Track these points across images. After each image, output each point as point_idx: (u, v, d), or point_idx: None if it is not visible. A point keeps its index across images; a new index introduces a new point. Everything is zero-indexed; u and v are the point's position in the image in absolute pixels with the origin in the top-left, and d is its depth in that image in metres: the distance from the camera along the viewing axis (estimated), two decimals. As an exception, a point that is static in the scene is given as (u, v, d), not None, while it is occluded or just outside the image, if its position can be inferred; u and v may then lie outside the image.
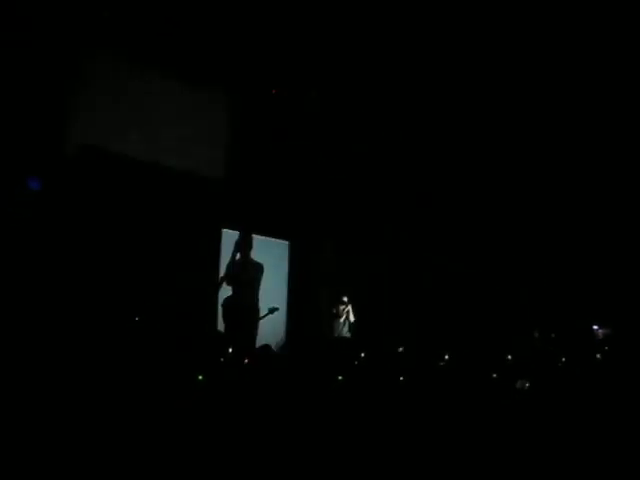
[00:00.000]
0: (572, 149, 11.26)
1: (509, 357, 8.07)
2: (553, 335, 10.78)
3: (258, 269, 7.55)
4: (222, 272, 7.98)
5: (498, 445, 4.41)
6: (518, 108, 10.80)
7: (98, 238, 8.08)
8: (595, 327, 10.97)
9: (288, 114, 10.34)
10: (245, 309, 7.39)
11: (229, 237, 8.59)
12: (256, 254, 7.75)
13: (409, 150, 11.35)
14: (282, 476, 3.83)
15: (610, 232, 11.50)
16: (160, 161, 8.92)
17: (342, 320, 10.39)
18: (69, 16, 7.98)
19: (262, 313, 7.65)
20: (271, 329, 8.30)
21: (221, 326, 7.85)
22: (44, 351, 5.30)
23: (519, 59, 9.84)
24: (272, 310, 7.72)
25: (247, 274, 7.48)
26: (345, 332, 10.41)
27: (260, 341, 7.08)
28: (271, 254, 9.27)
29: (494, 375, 6.46)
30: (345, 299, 10.44)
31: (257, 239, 8.00)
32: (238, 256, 7.59)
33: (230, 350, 6.22)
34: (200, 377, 4.84)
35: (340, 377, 5.48)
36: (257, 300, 7.49)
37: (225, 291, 7.77)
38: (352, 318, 10.40)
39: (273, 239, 10.28)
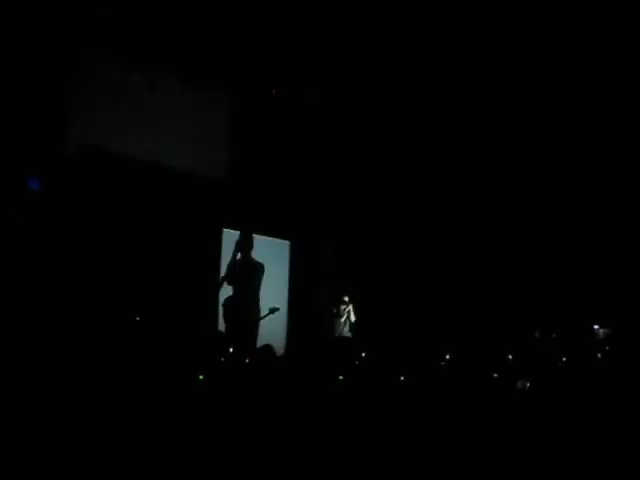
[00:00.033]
0: (572, 149, 11.25)
1: (510, 357, 8.07)
2: (554, 335, 10.77)
3: (259, 269, 7.54)
4: (223, 272, 7.97)
5: (499, 444, 4.41)
6: (518, 108, 10.79)
7: (99, 238, 8.08)
8: (596, 327, 10.96)
9: (289, 114, 10.33)
10: (246, 309, 7.38)
11: (230, 237, 8.58)
12: (257, 254, 7.74)
13: (409, 150, 11.34)
14: (283, 476, 3.83)
15: (610, 232, 11.49)
16: (160, 161, 8.92)
17: (343, 320, 10.39)
18: (69, 16, 7.98)
19: (263, 313, 7.64)
20: (272, 329, 8.29)
21: (222, 326, 7.84)
22: (45, 351, 5.30)
23: (519, 59, 9.82)
24: (273, 310, 7.70)
25: (248, 274, 7.47)
26: (346, 332, 10.40)
27: (261, 341, 7.07)
28: (272, 254, 9.25)
29: (495, 375, 6.46)
30: (346, 299, 10.44)
31: (258, 239, 7.99)
32: (239, 256, 7.58)
33: (231, 350, 6.22)
34: (201, 377, 4.84)
35: (341, 377, 5.48)
36: (258, 300, 7.48)
37: (226, 291, 7.76)
38: (353, 318, 10.39)
39: (274, 239, 10.28)
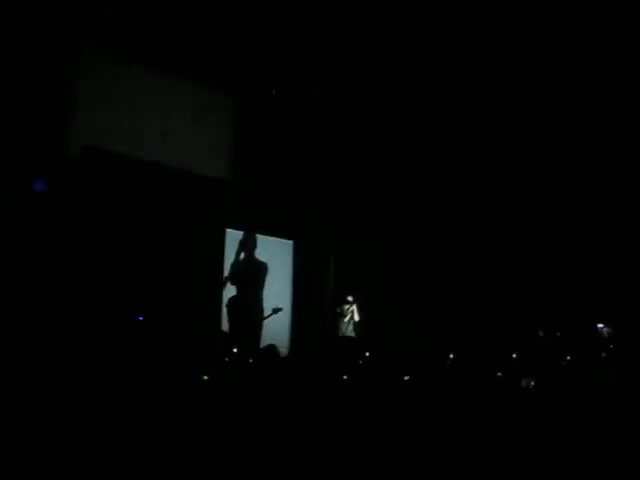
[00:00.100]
0: (573, 147, 11.23)
1: (514, 356, 8.06)
2: (558, 334, 10.76)
3: (262, 268, 7.55)
4: (226, 272, 7.98)
5: (503, 443, 4.40)
6: (518, 108, 10.78)
7: (101, 239, 8.08)
8: (600, 326, 10.95)
9: (292, 114, 10.33)
10: (249, 309, 7.39)
11: (233, 237, 8.59)
12: (260, 254, 7.74)
13: (409, 150, 11.33)
14: (288, 476, 3.83)
15: (615, 230, 11.48)
16: (163, 161, 8.92)
17: (347, 319, 10.38)
18: (70, 16, 7.99)
19: (266, 313, 7.65)
20: (275, 329, 8.29)
21: (225, 326, 7.85)
22: (49, 351, 5.30)
23: (519, 59, 9.81)
24: (276, 310, 7.71)
25: (251, 274, 7.47)
26: (350, 331, 10.39)
27: (264, 341, 7.07)
28: (275, 254, 9.25)
29: (499, 374, 6.45)
30: (350, 298, 10.43)
31: (261, 239, 7.99)
32: (242, 256, 7.59)
33: (235, 350, 6.22)
34: (205, 377, 4.84)
35: (345, 376, 5.47)
36: (261, 300, 7.48)
37: (229, 291, 7.77)
38: (357, 317, 10.38)
39: (277, 239, 10.28)
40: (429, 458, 4.16)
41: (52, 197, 7.75)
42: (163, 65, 9.00)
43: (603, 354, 9.18)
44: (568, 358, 8.22)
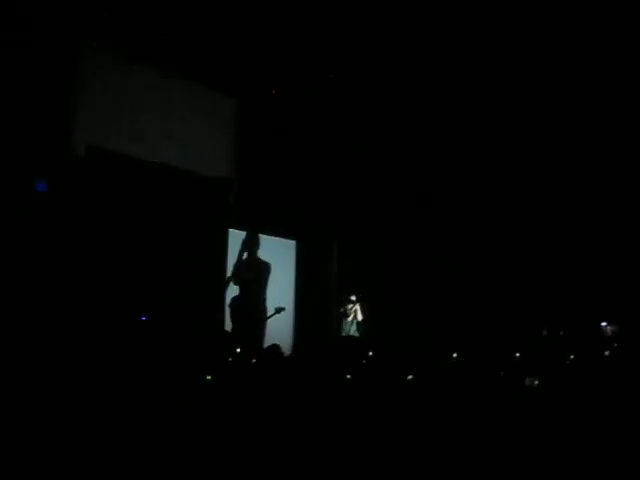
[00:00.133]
0: (573, 146, 11.21)
1: (517, 355, 8.05)
2: (561, 333, 10.74)
3: (265, 268, 7.56)
4: (229, 272, 7.99)
5: (508, 442, 4.40)
6: (518, 108, 10.77)
7: (104, 239, 8.08)
8: (604, 324, 10.93)
9: (293, 114, 10.33)
10: (252, 309, 7.40)
11: (236, 237, 8.60)
12: (263, 254, 7.75)
13: (409, 150, 11.32)
14: (291, 475, 3.83)
15: (618, 228, 11.45)
16: (166, 161, 8.93)
17: (350, 319, 10.39)
18: (72, 16, 7.99)
19: (269, 313, 7.66)
20: (278, 329, 8.30)
21: (228, 326, 7.86)
22: (51, 352, 5.31)
23: (519, 59, 9.80)
24: (278, 310, 7.72)
25: (254, 273, 7.49)
26: (353, 331, 10.40)
27: (268, 341, 7.08)
28: (278, 254, 9.26)
29: (503, 373, 6.45)
30: (353, 298, 10.43)
31: (264, 239, 8.00)
32: (245, 256, 7.60)
33: (238, 350, 6.23)
34: (208, 377, 4.84)
35: (348, 376, 5.47)
36: (264, 300, 7.49)
37: (232, 291, 7.78)
38: (360, 317, 10.39)
39: (280, 239, 10.28)
40: (434, 457, 4.15)
41: (55, 197, 7.76)
42: (165, 65, 9.00)
43: (607, 352, 9.14)
44: (572, 357, 8.20)
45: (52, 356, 5.15)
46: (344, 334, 10.35)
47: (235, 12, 8.62)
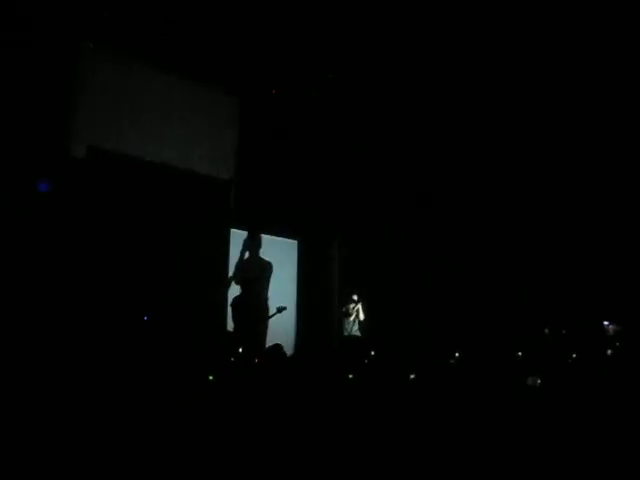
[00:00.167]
0: (573, 145, 11.20)
1: (519, 354, 8.05)
2: (563, 332, 10.74)
3: (267, 268, 7.56)
4: (231, 272, 7.99)
5: (510, 441, 4.40)
6: (518, 108, 10.76)
7: (106, 239, 8.08)
8: (606, 323, 10.92)
9: (295, 114, 10.33)
10: (254, 308, 7.40)
11: (238, 237, 8.60)
12: (265, 254, 7.75)
13: (409, 150, 11.33)
14: (293, 475, 3.83)
15: (619, 227, 11.44)
16: (167, 162, 8.93)
17: (352, 319, 10.39)
18: (74, 16, 8.00)
19: (270, 312, 7.66)
20: (280, 329, 8.30)
21: (230, 326, 7.85)
22: (54, 352, 5.31)
23: (519, 59, 9.79)
24: (280, 309, 7.72)
25: (256, 273, 7.49)
26: (355, 330, 10.40)
27: (270, 341, 7.08)
28: (280, 253, 9.26)
29: (505, 372, 6.44)
30: (355, 297, 10.43)
31: (266, 239, 8.00)
32: (247, 255, 7.60)
33: (240, 350, 6.23)
34: (211, 377, 4.85)
35: (351, 375, 5.47)
36: (266, 299, 7.49)
37: (234, 290, 7.78)
38: (362, 316, 10.39)
39: (282, 238, 10.28)
40: (436, 456, 4.15)
41: (56, 197, 7.76)
42: (166, 66, 9.00)
43: (609, 351, 9.14)
44: (574, 356, 8.19)
45: (54, 356, 5.15)
46: (346, 333, 10.35)
47: (235, 12, 8.62)
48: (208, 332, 7.68)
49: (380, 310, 10.72)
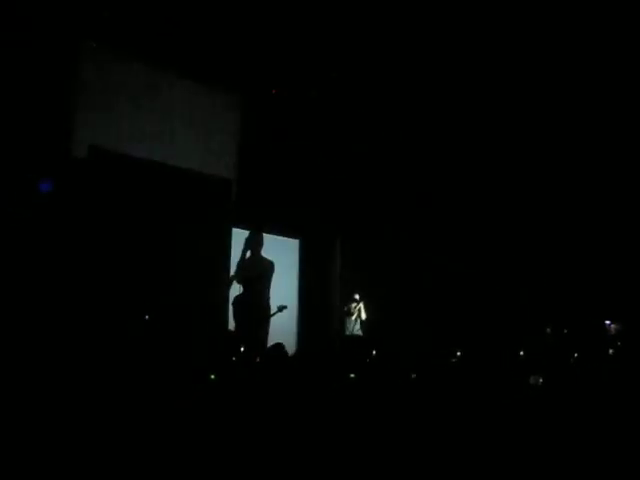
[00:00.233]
0: (574, 144, 11.20)
1: (521, 353, 8.05)
2: (565, 331, 10.73)
3: (269, 267, 7.55)
4: (232, 271, 7.99)
5: (512, 441, 4.39)
6: (518, 108, 10.76)
7: (108, 238, 8.09)
8: (607, 322, 10.91)
9: (297, 114, 10.34)
10: (256, 307, 7.39)
11: (240, 236, 8.59)
12: (266, 253, 7.74)
13: (409, 150, 11.33)
14: (295, 475, 3.83)
15: (621, 226, 11.43)
16: (169, 161, 8.93)
17: (354, 318, 10.38)
18: (73, 17, 8.00)
19: (272, 312, 7.65)
20: (282, 328, 8.30)
21: (232, 325, 7.85)
22: (55, 352, 5.31)
23: (519, 59, 9.79)
24: (281, 308, 7.72)
25: (258, 272, 7.48)
26: (357, 330, 10.40)
27: (271, 340, 7.07)
28: (281, 252, 9.27)
29: (507, 371, 6.44)
30: (357, 297, 10.43)
31: (268, 238, 8.00)
32: (248, 254, 7.59)
33: (242, 349, 6.22)
34: (212, 376, 4.84)
35: (352, 375, 5.47)
36: (268, 298, 7.48)
37: (235, 290, 7.77)
38: (364, 316, 10.38)
39: (283, 238, 10.29)
40: (438, 456, 4.15)
41: (58, 197, 7.77)
42: (167, 65, 9.01)
43: (611, 351, 9.14)
44: (576, 355, 8.19)
45: (55, 356, 5.16)
46: (347, 333, 10.35)
47: (236, 12, 8.62)
48: (209, 331, 7.69)
49: (381, 310, 10.71)
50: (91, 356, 5.19)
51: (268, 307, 7.50)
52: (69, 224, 7.78)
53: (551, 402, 5.46)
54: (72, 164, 8.06)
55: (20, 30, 7.60)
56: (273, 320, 7.57)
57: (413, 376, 5.86)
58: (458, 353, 7.61)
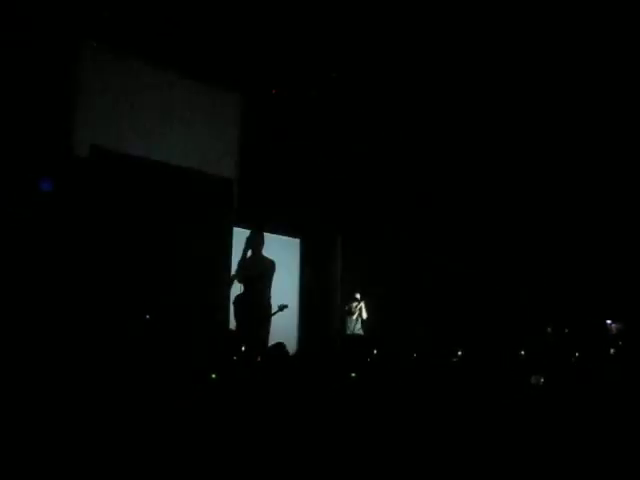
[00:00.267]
0: (574, 144, 11.20)
1: (522, 353, 8.05)
2: (566, 330, 10.73)
3: (270, 266, 7.54)
4: (234, 270, 7.98)
5: (513, 440, 4.39)
6: (518, 108, 10.76)
7: (109, 238, 8.09)
8: (608, 322, 10.91)
9: (298, 113, 10.34)
10: (257, 306, 7.38)
11: (241, 235, 8.59)
12: (267, 252, 7.74)
13: (409, 150, 11.33)
14: (295, 474, 3.82)
15: (622, 226, 11.43)
16: (170, 160, 8.94)
17: (355, 317, 10.38)
18: (73, 17, 8.00)
19: (272, 311, 7.65)
20: (283, 327, 8.30)
21: (233, 324, 7.85)
22: (54, 351, 5.31)
23: (519, 59, 9.79)
24: (281, 307, 7.71)
25: (259, 271, 7.47)
26: (358, 329, 10.39)
27: (272, 339, 7.07)
28: (283, 252, 9.26)
29: (508, 371, 6.44)
30: (358, 296, 10.43)
31: (268, 237, 7.99)
32: (250, 253, 7.59)
33: (243, 348, 6.22)
34: (213, 376, 4.84)
35: (353, 374, 5.47)
36: (269, 298, 7.48)
37: (236, 289, 7.76)
38: (365, 315, 10.38)
39: (285, 237, 10.29)
40: (438, 455, 4.15)
41: (59, 196, 7.77)
42: (167, 65, 9.02)
43: (612, 350, 9.13)
44: (577, 355, 8.19)
45: (55, 356, 5.15)
46: (349, 332, 10.35)
47: (236, 11, 8.62)
48: (210, 331, 7.69)
49: (381, 309, 10.72)
50: (92, 355, 5.19)
51: (269, 306, 7.49)
52: (70, 224, 7.78)
53: (552, 402, 5.46)
54: (73, 164, 8.06)
55: (20, 30, 7.60)
56: (274, 319, 7.56)
57: (414, 375, 5.85)
58: (459, 353, 7.61)
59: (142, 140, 8.78)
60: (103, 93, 8.52)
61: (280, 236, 9.95)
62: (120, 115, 8.66)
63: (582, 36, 9.29)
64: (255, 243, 7.57)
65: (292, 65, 9.73)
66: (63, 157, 8.01)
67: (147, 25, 8.52)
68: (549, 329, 10.70)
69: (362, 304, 10.38)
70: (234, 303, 7.64)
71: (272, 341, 6.69)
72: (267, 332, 7.35)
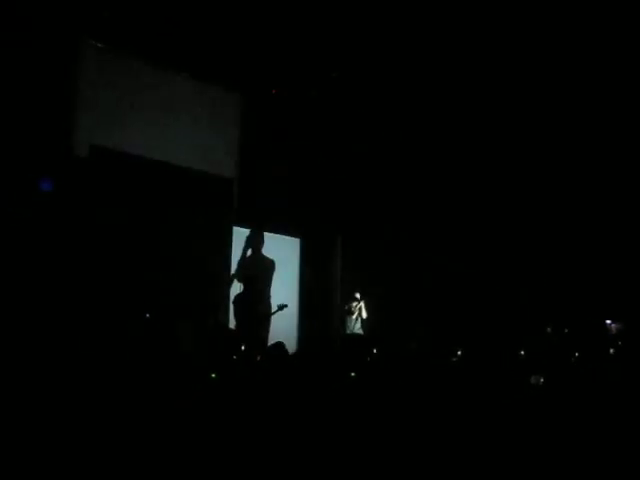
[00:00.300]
0: (574, 143, 11.20)
1: (522, 353, 8.05)
2: (566, 330, 10.73)
3: (270, 265, 7.56)
4: (233, 269, 7.99)
5: (513, 440, 4.39)
6: (518, 108, 10.76)
7: (109, 238, 8.09)
8: (608, 322, 10.91)
9: (298, 112, 10.34)
10: (257, 306, 7.39)
11: (241, 235, 8.60)
12: (267, 251, 7.75)
13: (409, 150, 11.32)
14: (296, 474, 3.83)
15: (622, 226, 11.43)
16: (170, 160, 8.94)
17: (354, 317, 10.38)
18: (73, 17, 8.00)
19: (272, 310, 7.66)
20: (283, 327, 8.30)
21: (232, 324, 7.85)
22: (54, 351, 5.31)
23: (519, 59, 9.79)
24: (281, 307, 7.72)
25: (258, 271, 7.48)
26: (357, 329, 10.39)
27: (272, 339, 7.07)
28: (282, 251, 9.26)
29: (507, 371, 6.44)
30: (357, 295, 10.43)
31: (268, 236, 8.00)
32: (249, 253, 7.60)
33: (242, 348, 6.23)
34: (213, 375, 4.84)
35: (353, 374, 5.47)
36: (269, 297, 7.49)
37: (236, 288, 7.78)
38: (364, 315, 10.38)
39: (284, 236, 10.29)
40: (438, 455, 4.15)
41: (59, 196, 7.77)
42: (168, 64, 9.02)
43: (611, 350, 9.14)
44: (576, 355, 8.19)
45: (55, 356, 5.16)
46: (348, 332, 10.35)
47: (236, 12, 8.62)
48: (210, 330, 7.69)
49: (381, 309, 10.72)
50: (92, 355, 5.19)
51: (269, 306, 7.50)
52: (70, 224, 7.78)
53: (552, 402, 5.46)
54: (73, 164, 8.06)
55: (20, 30, 7.60)
56: (274, 319, 7.57)
57: (413, 375, 5.85)
58: (459, 352, 7.61)
59: (142, 140, 8.77)
60: (103, 93, 8.51)
61: (280, 235, 9.95)
62: (120, 115, 8.66)
63: (582, 36, 9.29)
64: (255, 243, 7.59)
65: (292, 65, 9.73)
66: (63, 157, 8.01)
67: (147, 25, 8.52)
68: (549, 329, 10.70)
69: (362, 304, 10.37)
70: (234, 303, 7.65)
71: (272, 340, 6.70)
72: (267, 332, 7.36)
